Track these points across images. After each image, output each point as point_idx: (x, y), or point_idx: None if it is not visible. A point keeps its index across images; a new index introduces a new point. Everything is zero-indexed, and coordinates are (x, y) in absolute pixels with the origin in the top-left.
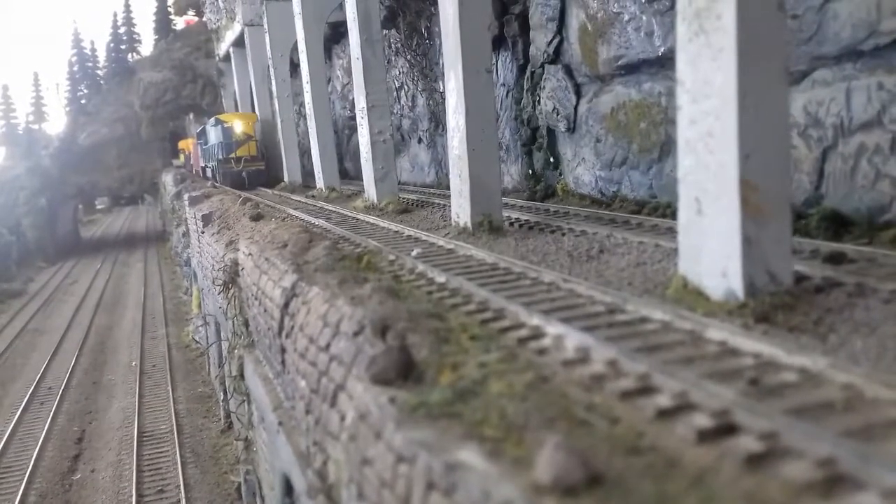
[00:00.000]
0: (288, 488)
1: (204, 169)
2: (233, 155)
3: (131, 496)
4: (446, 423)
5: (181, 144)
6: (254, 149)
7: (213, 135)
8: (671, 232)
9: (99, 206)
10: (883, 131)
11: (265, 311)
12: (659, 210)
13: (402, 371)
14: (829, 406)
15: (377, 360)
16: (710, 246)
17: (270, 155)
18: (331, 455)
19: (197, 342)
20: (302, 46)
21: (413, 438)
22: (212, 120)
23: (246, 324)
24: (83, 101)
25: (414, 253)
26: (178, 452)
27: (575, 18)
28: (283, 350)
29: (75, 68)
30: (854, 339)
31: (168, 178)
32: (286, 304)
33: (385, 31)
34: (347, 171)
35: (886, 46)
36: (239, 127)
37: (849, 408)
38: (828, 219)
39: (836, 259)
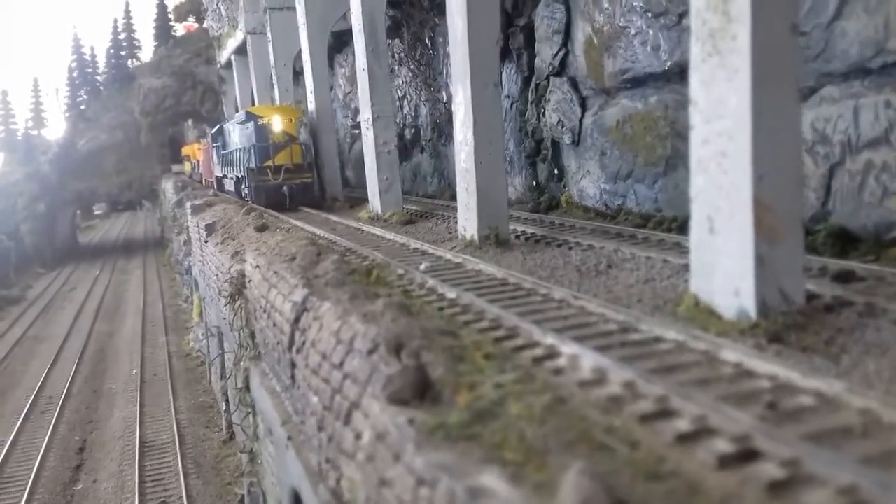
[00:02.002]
0: (297, 503)
1: (221, 180)
2: (269, 163)
3: None
4: (466, 446)
5: (186, 150)
6: (298, 155)
7: (240, 135)
8: (678, 247)
9: (97, 212)
10: (890, 149)
11: (274, 324)
12: (664, 224)
13: (418, 391)
14: (848, 431)
15: (394, 380)
16: (723, 265)
17: (318, 163)
18: (345, 473)
19: (198, 351)
20: (306, 56)
21: (434, 461)
22: (239, 115)
23: (252, 336)
24: (83, 107)
25: (422, 267)
26: (179, 463)
27: (581, 31)
28: (293, 364)
29: (75, 74)
30: (866, 361)
31: (168, 185)
32: (297, 319)
33: (389, 41)
34: (349, 180)
35: (894, 64)
36: (278, 125)
37: (867, 434)
38: (834, 235)
39: (845, 277)
